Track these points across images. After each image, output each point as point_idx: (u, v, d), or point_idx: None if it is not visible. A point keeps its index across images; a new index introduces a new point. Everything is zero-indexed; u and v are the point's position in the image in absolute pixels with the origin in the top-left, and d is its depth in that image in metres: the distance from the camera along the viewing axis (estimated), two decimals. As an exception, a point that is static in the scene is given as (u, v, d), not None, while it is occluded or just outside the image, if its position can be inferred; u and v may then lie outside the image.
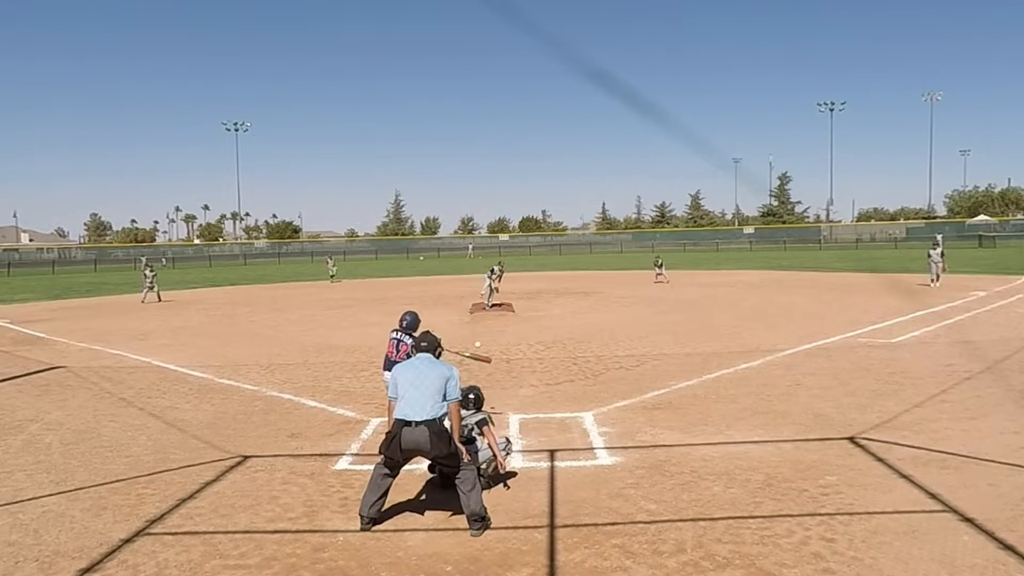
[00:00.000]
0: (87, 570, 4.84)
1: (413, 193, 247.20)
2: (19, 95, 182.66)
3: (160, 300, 26.82)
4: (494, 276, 21.10)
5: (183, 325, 19.62)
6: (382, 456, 5.54)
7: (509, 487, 6.29)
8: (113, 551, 5.12)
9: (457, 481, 5.46)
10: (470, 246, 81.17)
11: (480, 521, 5.32)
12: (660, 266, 30.45)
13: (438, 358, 5.87)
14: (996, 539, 4.94)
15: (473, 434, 6.18)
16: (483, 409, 6.51)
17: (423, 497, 6.15)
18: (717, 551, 4.90)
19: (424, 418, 5.36)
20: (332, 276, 37.38)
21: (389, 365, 7.62)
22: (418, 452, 5.45)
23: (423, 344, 5.86)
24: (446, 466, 5.63)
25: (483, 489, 6.00)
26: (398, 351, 7.73)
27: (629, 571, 4.66)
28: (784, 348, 12.88)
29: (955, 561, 4.64)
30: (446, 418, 5.53)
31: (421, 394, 5.43)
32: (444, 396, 5.51)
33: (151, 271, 27.63)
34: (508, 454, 6.50)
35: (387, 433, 5.53)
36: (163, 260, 68.40)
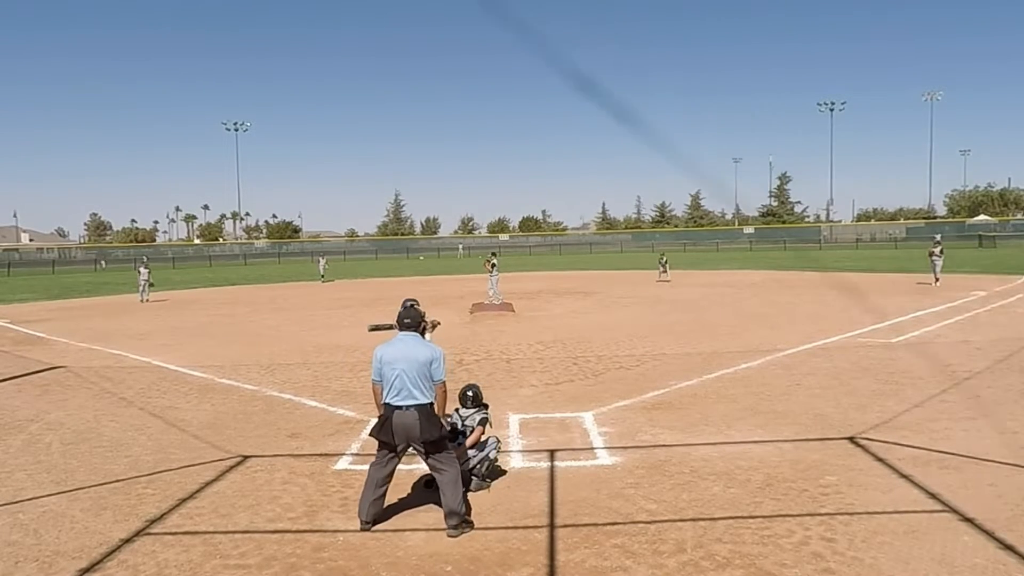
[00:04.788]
0: (87, 570, 4.84)
1: (413, 193, 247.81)
2: (19, 95, 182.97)
3: (147, 301, 26.52)
4: (494, 270, 21.04)
5: (183, 325, 19.62)
6: (377, 443, 5.48)
7: (489, 486, 6.23)
8: (113, 551, 5.11)
9: (439, 477, 5.37)
10: (460, 246, 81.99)
11: (458, 518, 5.24)
12: (664, 264, 30.49)
13: (422, 335, 5.71)
14: (996, 539, 4.94)
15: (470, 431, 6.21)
16: (482, 408, 6.52)
17: (423, 497, 6.14)
18: (717, 551, 4.90)
19: (414, 402, 5.31)
20: (322, 276, 37.21)
21: None
22: (408, 436, 5.34)
23: (406, 321, 5.58)
24: (431, 452, 5.43)
25: (477, 490, 6.02)
26: None
27: (629, 571, 4.66)
28: (784, 348, 12.88)
29: (955, 561, 4.64)
30: (435, 400, 5.45)
31: (408, 378, 5.32)
32: (431, 378, 5.41)
33: (146, 269, 27.60)
34: (497, 451, 6.52)
35: (379, 417, 5.48)
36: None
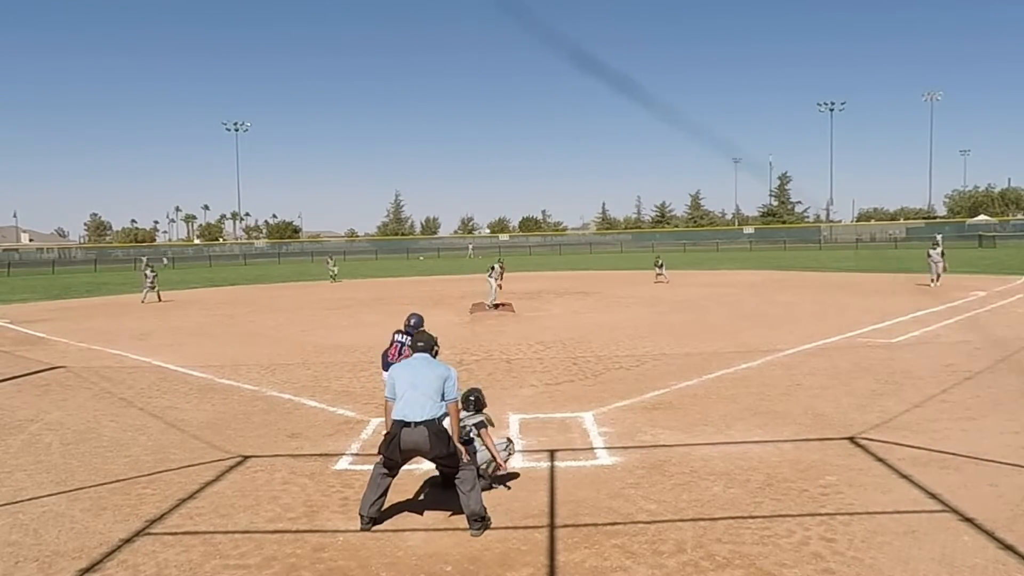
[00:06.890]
0: (87, 570, 4.84)
1: (413, 193, 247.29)
2: (19, 95, 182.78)
3: (160, 300, 26.86)
4: (496, 274, 21.12)
5: (183, 325, 19.62)
6: (381, 457, 5.54)
7: (510, 487, 6.29)
8: (113, 551, 5.12)
9: (457, 481, 5.46)
10: (470, 246, 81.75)
11: (480, 521, 5.33)
12: (660, 266, 30.49)
13: (435, 357, 5.86)
14: (996, 539, 4.94)
15: (471, 435, 6.18)
16: (483, 411, 6.51)
17: (423, 497, 6.15)
18: (717, 551, 4.90)
19: (423, 418, 5.36)
20: (333, 276, 37.41)
21: (387, 365, 7.59)
22: (417, 452, 5.45)
23: (420, 344, 5.83)
24: (445, 466, 5.63)
25: (483, 490, 6.01)
26: (400, 354, 7.69)
27: (629, 571, 4.66)
28: (784, 348, 12.88)
29: (955, 561, 4.64)
30: (445, 418, 5.54)
31: (419, 394, 5.42)
32: (443, 396, 5.50)
33: (152, 271, 27.70)
34: (510, 454, 6.51)
35: (386, 434, 5.54)
36: (164, 260, 68.40)
